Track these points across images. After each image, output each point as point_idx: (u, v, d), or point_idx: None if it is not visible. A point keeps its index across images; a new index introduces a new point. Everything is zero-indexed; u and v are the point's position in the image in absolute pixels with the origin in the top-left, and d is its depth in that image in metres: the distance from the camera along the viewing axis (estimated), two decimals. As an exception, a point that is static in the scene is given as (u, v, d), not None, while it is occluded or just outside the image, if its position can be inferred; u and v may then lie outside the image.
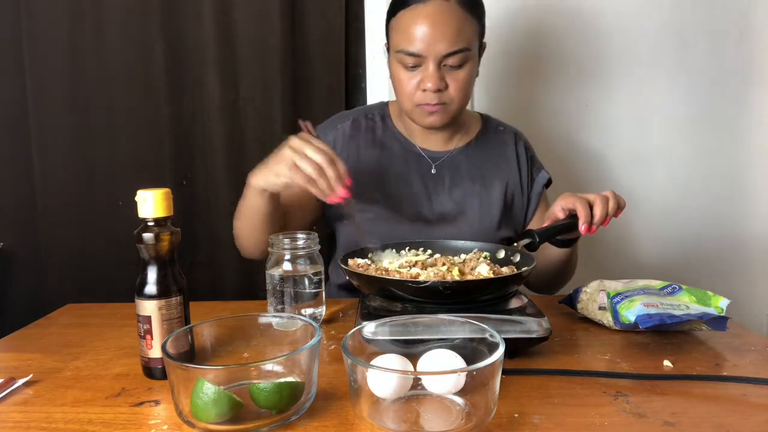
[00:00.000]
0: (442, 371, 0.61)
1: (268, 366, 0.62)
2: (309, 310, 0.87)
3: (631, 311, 0.82)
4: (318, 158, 0.86)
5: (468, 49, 1.02)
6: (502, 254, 0.93)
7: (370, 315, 0.73)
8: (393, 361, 0.61)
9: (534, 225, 1.20)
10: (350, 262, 0.88)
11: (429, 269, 0.82)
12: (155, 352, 0.70)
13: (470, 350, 0.63)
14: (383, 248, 0.94)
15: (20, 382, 0.70)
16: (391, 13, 1.06)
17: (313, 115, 1.50)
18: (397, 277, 0.78)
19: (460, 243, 0.98)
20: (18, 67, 1.47)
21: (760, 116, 1.57)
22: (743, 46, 1.54)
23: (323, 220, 1.20)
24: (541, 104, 1.57)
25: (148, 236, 0.69)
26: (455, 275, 0.80)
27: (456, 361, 0.61)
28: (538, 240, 0.90)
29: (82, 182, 1.51)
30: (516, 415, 0.61)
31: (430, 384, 0.61)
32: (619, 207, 0.93)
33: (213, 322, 0.70)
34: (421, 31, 0.99)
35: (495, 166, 1.19)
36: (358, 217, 0.94)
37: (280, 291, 0.85)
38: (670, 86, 1.55)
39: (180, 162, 1.52)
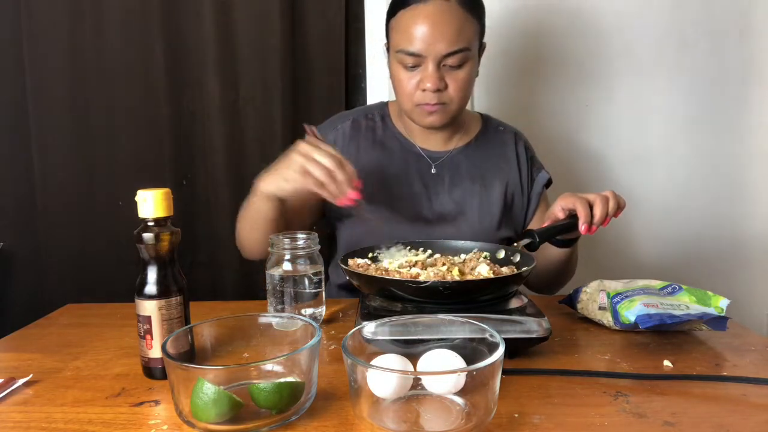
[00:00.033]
0: (442, 371, 0.61)
1: (268, 366, 0.62)
2: (309, 310, 0.87)
3: (631, 311, 0.82)
4: (327, 162, 0.86)
5: (468, 49, 1.02)
6: (502, 254, 0.93)
7: (370, 315, 0.73)
8: (393, 361, 0.61)
9: (534, 225, 1.20)
10: (350, 262, 0.88)
11: (429, 269, 0.82)
12: (155, 352, 0.70)
13: (470, 350, 0.63)
14: (395, 246, 0.95)
15: (20, 382, 0.70)
16: (391, 12, 1.06)
17: (313, 115, 1.51)
18: (397, 277, 0.78)
19: (460, 243, 0.98)
20: (18, 67, 1.47)
21: (760, 116, 1.57)
22: (743, 46, 1.54)
23: (323, 220, 1.20)
24: (541, 104, 1.57)
25: (148, 236, 0.69)
26: (455, 275, 0.80)
27: (456, 361, 0.61)
28: (538, 240, 0.90)
29: (82, 182, 1.51)
30: (516, 415, 0.61)
31: (430, 384, 0.61)
32: (619, 207, 0.93)
33: (213, 322, 0.70)
34: (420, 30, 0.99)
35: (495, 166, 1.19)
36: (370, 217, 0.94)
37: (280, 291, 0.85)
38: (670, 86, 1.55)
39: (180, 162, 1.52)
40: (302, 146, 0.89)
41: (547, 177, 1.22)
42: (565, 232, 0.94)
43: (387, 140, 1.17)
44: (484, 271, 0.81)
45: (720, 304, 0.83)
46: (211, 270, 1.55)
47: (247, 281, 1.53)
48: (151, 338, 0.69)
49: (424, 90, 1.03)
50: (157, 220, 0.70)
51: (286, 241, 0.86)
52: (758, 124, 1.57)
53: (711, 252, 1.61)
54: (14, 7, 1.45)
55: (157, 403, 0.65)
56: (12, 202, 1.53)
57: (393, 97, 1.15)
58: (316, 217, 1.17)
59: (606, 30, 1.53)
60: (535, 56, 1.54)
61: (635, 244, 1.62)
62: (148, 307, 0.69)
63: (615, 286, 0.89)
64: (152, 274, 0.70)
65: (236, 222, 1.11)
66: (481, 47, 1.10)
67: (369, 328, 0.67)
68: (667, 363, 0.74)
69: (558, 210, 0.93)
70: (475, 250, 0.95)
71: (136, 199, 0.70)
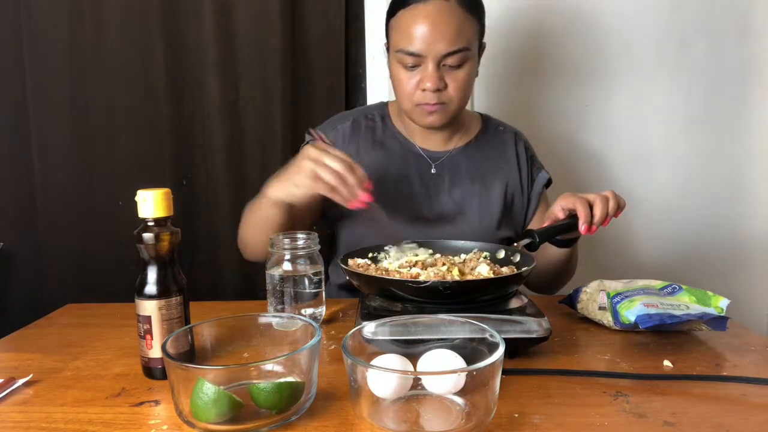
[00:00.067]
0: (442, 371, 0.61)
1: (268, 366, 0.62)
2: (309, 310, 0.86)
3: (631, 311, 0.82)
4: (337, 166, 0.86)
5: (467, 48, 1.02)
6: (502, 254, 0.93)
7: (370, 315, 0.73)
8: (393, 361, 0.61)
9: (534, 225, 1.20)
10: (350, 262, 0.88)
11: (429, 269, 0.82)
12: (155, 352, 0.70)
13: (470, 350, 0.63)
14: (406, 243, 0.95)
15: (20, 382, 0.70)
16: (391, 12, 1.06)
17: (313, 115, 1.51)
18: (397, 277, 0.78)
19: (460, 243, 0.98)
20: (18, 67, 1.47)
21: (760, 116, 1.57)
22: (743, 46, 1.54)
23: (323, 221, 1.20)
24: (541, 104, 1.57)
25: (148, 236, 0.69)
26: (455, 275, 0.80)
27: (456, 361, 0.61)
28: (538, 240, 0.90)
29: (82, 182, 1.51)
30: (516, 415, 0.61)
31: (430, 384, 0.61)
32: (619, 207, 0.93)
33: (213, 322, 0.70)
34: (420, 30, 0.99)
35: (495, 166, 1.19)
36: (382, 218, 0.94)
37: (280, 291, 0.85)
38: (670, 86, 1.55)
39: (180, 162, 1.52)
40: (312, 151, 0.89)
41: (547, 177, 1.22)
42: (565, 232, 0.94)
43: (387, 140, 1.17)
44: (484, 271, 0.81)
45: (720, 304, 0.83)
46: (211, 270, 1.55)
47: (247, 281, 1.53)
48: (151, 338, 0.69)
49: (423, 90, 1.03)
50: (157, 220, 0.70)
51: (286, 241, 0.86)
52: (758, 124, 1.57)
53: (711, 252, 1.61)
54: (14, 7, 1.45)
55: (157, 403, 0.65)
56: (12, 202, 1.53)
57: (393, 97, 1.15)
58: (317, 217, 1.17)
59: (606, 30, 1.53)
60: (535, 56, 1.54)
61: (635, 244, 1.62)
62: (148, 307, 0.69)
63: (615, 286, 0.89)
64: (152, 274, 0.70)
65: (239, 225, 1.11)
66: (481, 47, 1.10)
67: (369, 328, 0.67)
68: (667, 363, 0.74)
69: (558, 210, 0.93)
70: (475, 250, 0.95)
71: (136, 199, 0.70)
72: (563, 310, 0.95)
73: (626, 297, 0.85)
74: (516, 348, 0.73)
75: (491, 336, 0.62)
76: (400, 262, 0.88)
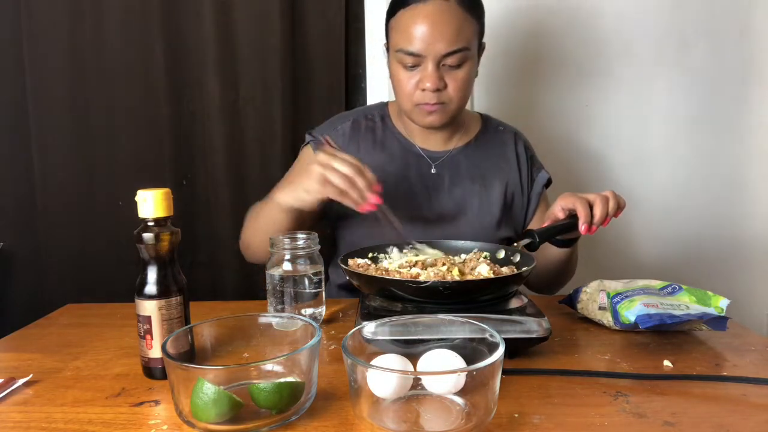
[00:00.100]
0: (442, 371, 0.61)
1: (268, 366, 0.62)
2: (309, 310, 0.87)
3: (631, 311, 0.82)
4: (346, 170, 0.87)
5: (467, 48, 1.02)
6: (502, 254, 0.93)
7: (370, 315, 0.73)
8: (393, 361, 0.61)
9: (534, 225, 1.20)
10: (350, 262, 0.88)
11: (429, 269, 0.82)
12: (155, 352, 0.70)
13: (470, 350, 0.63)
14: (420, 246, 0.95)
15: (20, 382, 0.70)
16: (391, 12, 1.07)
17: (313, 115, 1.51)
18: (397, 277, 0.78)
19: (460, 243, 0.98)
20: (18, 67, 1.47)
21: (760, 116, 1.57)
22: (743, 46, 1.54)
23: (323, 221, 1.20)
24: (541, 104, 1.57)
25: (148, 236, 0.69)
26: (455, 275, 0.80)
27: (456, 361, 0.61)
28: (538, 240, 0.90)
29: (82, 182, 1.51)
30: (516, 415, 0.61)
31: (430, 384, 0.61)
32: (619, 207, 0.93)
33: (213, 322, 0.70)
34: (420, 30, 0.99)
35: (495, 166, 1.19)
36: (393, 220, 0.94)
37: (280, 291, 0.85)
38: (670, 86, 1.55)
39: (180, 162, 1.52)
40: (320, 156, 0.89)
41: (547, 177, 1.22)
42: (565, 232, 0.94)
43: (387, 140, 1.17)
44: (484, 271, 0.81)
45: (720, 304, 0.83)
46: (211, 270, 1.55)
47: (247, 281, 1.53)
48: (151, 338, 0.69)
49: (423, 90, 1.03)
50: (157, 220, 0.70)
51: (286, 241, 0.86)
52: (758, 124, 1.57)
53: (711, 252, 1.61)
54: (14, 7, 1.45)
55: (157, 403, 0.65)
56: (12, 202, 1.53)
57: (393, 97, 1.15)
58: (316, 219, 1.17)
59: (606, 30, 1.53)
60: (535, 56, 1.54)
61: (635, 244, 1.62)
62: (148, 307, 0.69)
63: (615, 286, 0.89)
64: (152, 274, 0.70)
65: (242, 228, 1.11)
66: (481, 47, 1.10)
67: (369, 328, 0.67)
68: (667, 363, 0.74)
69: (558, 210, 0.93)
70: (475, 250, 0.95)
71: (136, 199, 0.70)
72: (563, 310, 0.95)
73: (626, 297, 0.85)
74: (516, 348, 0.73)
75: (491, 336, 0.62)
76: (400, 262, 0.88)
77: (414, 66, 1.03)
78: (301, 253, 0.85)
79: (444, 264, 0.85)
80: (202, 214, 1.54)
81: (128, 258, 1.37)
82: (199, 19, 1.46)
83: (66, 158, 1.50)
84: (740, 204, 1.61)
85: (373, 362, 0.61)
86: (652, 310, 0.80)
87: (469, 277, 0.80)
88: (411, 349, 0.65)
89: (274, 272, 0.85)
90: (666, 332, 0.85)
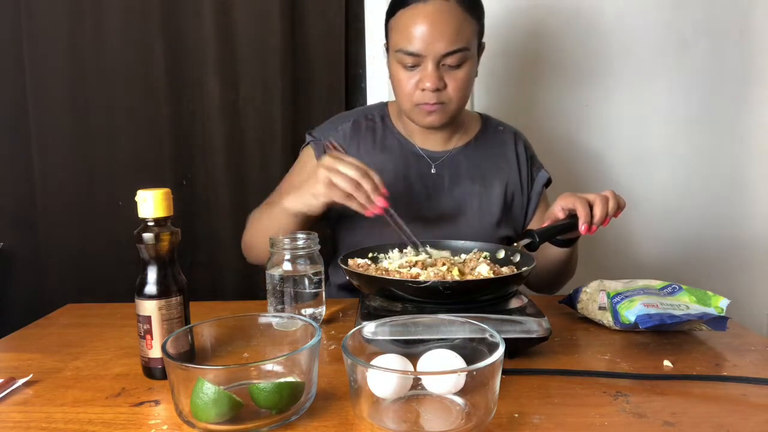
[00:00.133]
0: (442, 371, 0.61)
1: (268, 366, 0.62)
2: (309, 310, 0.86)
3: (631, 311, 0.82)
4: (352, 173, 0.87)
5: (467, 48, 1.02)
6: (502, 254, 0.93)
7: (370, 315, 0.73)
8: (393, 361, 0.61)
9: (534, 224, 1.20)
10: (350, 262, 0.88)
11: (429, 269, 0.82)
12: (155, 352, 0.70)
13: (470, 350, 0.63)
14: (423, 247, 0.95)
15: (20, 382, 0.70)
16: (391, 12, 1.07)
17: (313, 115, 1.51)
18: (397, 277, 0.78)
19: (460, 243, 0.98)
20: (18, 67, 1.47)
21: (759, 116, 1.57)
22: (743, 46, 1.54)
23: (324, 222, 1.20)
24: (541, 104, 1.57)
25: (148, 236, 0.69)
26: (455, 275, 0.80)
27: (456, 361, 0.61)
28: (538, 240, 0.90)
29: (82, 182, 1.51)
30: (516, 415, 0.61)
31: (430, 384, 0.61)
32: (619, 207, 0.93)
33: (213, 322, 0.70)
34: (420, 30, 0.99)
35: (495, 166, 1.19)
36: (400, 223, 0.94)
37: (280, 291, 0.85)
38: (670, 86, 1.55)
39: (180, 162, 1.52)
40: (326, 160, 0.90)
41: (547, 176, 1.22)
42: (565, 232, 0.94)
43: (387, 140, 1.17)
44: (484, 271, 0.81)
45: (720, 304, 0.83)
46: (211, 270, 1.55)
47: (247, 281, 1.53)
48: (151, 338, 0.69)
49: (423, 89, 1.03)
50: (157, 220, 0.70)
51: (286, 241, 0.86)
52: (758, 124, 1.57)
53: (711, 252, 1.61)
54: (14, 7, 1.45)
55: (157, 403, 0.65)
56: (12, 202, 1.53)
57: (393, 97, 1.15)
58: (319, 219, 1.17)
59: (606, 30, 1.53)
60: (535, 56, 1.54)
61: (635, 244, 1.62)
62: (148, 307, 0.69)
63: (615, 286, 0.89)
64: (152, 274, 0.70)
65: (245, 231, 1.11)
66: (481, 47, 1.10)
67: (369, 328, 0.67)
68: (667, 363, 0.74)
69: (558, 210, 0.93)
70: (475, 250, 0.95)
71: (136, 199, 0.70)
72: (563, 310, 0.95)
73: (626, 297, 0.85)
74: (516, 348, 0.73)
75: (491, 336, 0.62)
76: (400, 262, 0.88)
77: (414, 66, 1.03)
78: (301, 253, 0.85)
79: (444, 264, 0.85)
80: (202, 214, 1.54)
81: (128, 258, 1.37)
82: (199, 19, 1.46)
83: (66, 158, 1.50)
84: (740, 204, 1.61)
85: (373, 362, 0.61)
86: (652, 310, 0.80)
87: (469, 277, 0.80)
88: (411, 349, 0.65)
89: (274, 272, 0.85)
90: (666, 332, 0.85)
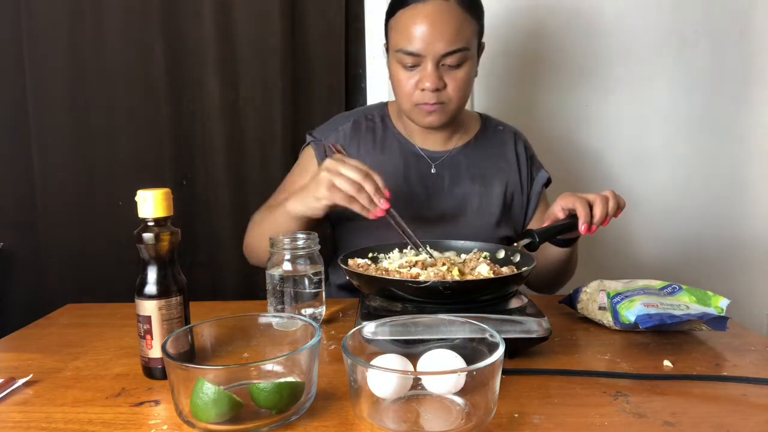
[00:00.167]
0: (442, 371, 0.61)
1: (268, 366, 0.62)
2: (309, 310, 0.86)
3: (631, 311, 0.82)
4: (354, 175, 0.87)
5: (467, 48, 1.02)
6: (502, 254, 0.93)
7: (370, 315, 0.73)
8: (393, 361, 0.61)
9: (534, 224, 1.20)
10: (350, 262, 0.88)
11: (429, 269, 0.82)
12: (155, 352, 0.70)
13: (470, 350, 0.63)
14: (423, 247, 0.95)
15: (20, 382, 0.70)
16: (390, 12, 1.07)
17: (313, 115, 1.51)
18: (397, 277, 0.78)
19: (460, 243, 0.98)
20: (18, 67, 1.47)
21: (759, 116, 1.57)
22: (743, 46, 1.54)
23: (324, 222, 1.20)
24: (541, 104, 1.57)
25: (148, 236, 0.69)
26: (455, 275, 0.80)
27: (456, 361, 0.61)
28: (538, 240, 0.90)
29: (82, 182, 1.51)
30: (516, 415, 0.61)
31: (430, 384, 0.61)
32: (619, 207, 0.93)
33: (213, 322, 0.70)
34: (419, 30, 0.99)
35: (495, 166, 1.19)
36: (402, 224, 0.94)
37: (280, 291, 0.85)
38: (670, 86, 1.55)
39: (180, 162, 1.52)
40: (328, 163, 0.90)
41: (547, 176, 1.22)
42: (565, 231, 0.94)
43: (387, 141, 1.17)
44: (484, 271, 0.81)
45: (720, 304, 0.83)
46: (211, 270, 1.55)
47: (247, 281, 1.53)
48: (151, 338, 0.69)
49: (423, 89, 1.03)
50: (157, 220, 0.70)
51: (286, 241, 0.86)
52: (758, 124, 1.57)
53: (711, 252, 1.61)
54: (14, 7, 1.45)
55: (157, 403, 0.65)
56: (12, 202, 1.53)
57: (393, 97, 1.15)
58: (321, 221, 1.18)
59: (606, 30, 1.53)
60: (535, 56, 1.54)
61: (635, 244, 1.62)
62: (148, 307, 0.69)
63: (615, 286, 0.89)
64: (152, 274, 0.70)
65: (246, 233, 1.11)
66: (480, 47, 1.10)
67: (369, 328, 0.67)
68: (667, 363, 0.74)
69: (558, 210, 0.93)
70: (475, 250, 0.95)
71: (136, 199, 0.70)
72: (563, 310, 0.95)
73: (626, 297, 0.85)
74: (516, 348, 0.73)
75: (491, 336, 0.62)
76: (400, 262, 0.88)
77: (413, 66, 1.03)
78: (301, 253, 0.85)
79: (444, 264, 0.85)
80: (202, 214, 1.54)
81: (128, 258, 1.37)
82: (199, 19, 1.46)
83: (66, 158, 1.50)
84: (740, 204, 1.61)
85: (373, 362, 0.61)
86: (652, 310, 0.80)
87: (469, 277, 0.80)
88: (411, 349, 0.65)
89: (274, 272, 0.85)
90: (666, 332, 0.85)
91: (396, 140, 1.17)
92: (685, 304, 0.84)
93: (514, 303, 0.78)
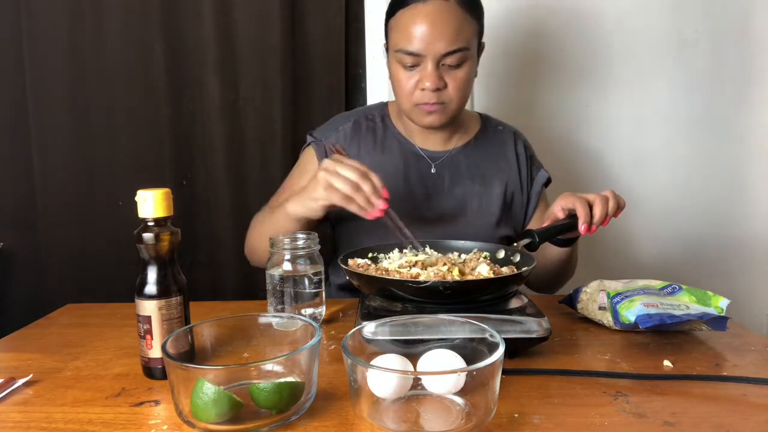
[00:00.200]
0: (442, 371, 0.61)
1: (268, 366, 0.62)
2: (309, 310, 0.86)
3: (631, 311, 0.82)
4: (351, 175, 0.87)
5: (467, 48, 1.02)
6: (502, 254, 0.93)
7: (370, 315, 0.73)
8: (393, 361, 0.61)
9: (533, 224, 1.20)
10: (350, 262, 0.88)
11: (429, 269, 0.82)
12: (155, 352, 0.70)
13: (470, 350, 0.63)
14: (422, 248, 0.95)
15: (20, 382, 0.70)
16: (390, 12, 1.07)
17: (313, 115, 1.51)
18: (397, 277, 0.78)
19: (460, 243, 0.98)
20: (18, 67, 1.47)
21: (759, 116, 1.57)
22: (743, 46, 1.54)
23: (324, 222, 1.20)
24: (541, 104, 1.57)
25: (148, 236, 0.69)
26: (455, 275, 0.80)
27: (456, 361, 0.61)
28: (538, 240, 0.90)
29: (82, 182, 1.51)
30: (516, 415, 0.61)
31: (430, 384, 0.61)
32: (619, 207, 0.93)
33: (213, 322, 0.70)
34: (420, 30, 0.99)
35: (494, 166, 1.19)
36: (400, 225, 0.94)
37: (280, 291, 0.85)
38: (670, 86, 1.55)
39: (180, 162, 1.52)
40: (326, 163, 0.90)
41: (547, 176, 1.22)
42: (565, 231, 0.94)
43: (387, 141, 1.17)
44: (484, 271, 0.81)
45: (720, 304, 0.83)
46: (211, 270, 1.55)
47: (247, 281, 1.53)
48: (151, 338, 0.69)
49: (423, 89, 1.03)
50: (157, 220, 0.70)
51: (286, 241, 0.86)
52: (758, 124, 1.57)
53: (711, 252, 1.61)
54: (14, 7, 1.45)
55: (157, 403, 0.65)
56: (12, 202, 1.53)
57: (393, 97, 1.15)
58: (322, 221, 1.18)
59: (606, 30, 1.53)
60: (535, 56, 1.54)
61: (635, 244, 1.62)
62: (148, 307, 0.69)
63: (615, 286, 0.89)
64: (152, 274, 0.70)
65: (248, 235, 1.11)
66: (480, 47, 1.10)
67: (369, 328, 0.67)
68: (667, 363, 0.74)
69: (558, 210, 0.93)
70: (475, 250, 0.95)
71: (136, 199, 0.70)
72: (563, 310, 0.95)
73: (626, 297, 0.85)
74: (516, 348, 0.73)
75: (491, 336, 0.62)
76: (400, 262, 0.88)
77: (413, 66, 1.03)
78: (301, 253, 0.85)
79: (444, 264, 0.85)
80: (202, 214, 1.54)
81: (128, 258, 1.37)
82: (199, 19, 1.46)
83: (66, 158, 1.50)
84: (740, 204, 1.61)
85: (373, 362, 0.61)
86: (652, 310, 0.80)
87: (469, 277, 0.80)
88: (411, 349, 0.65)
89: (274, 272, 0.85)
90: (666, 332, 0.85)
91: (396, 140, 1.17)
92: (685, 304, 0.84)
93: (514, 303, 0.78)
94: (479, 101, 1.54)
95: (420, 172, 1.15)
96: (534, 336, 0.72)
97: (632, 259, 1.62)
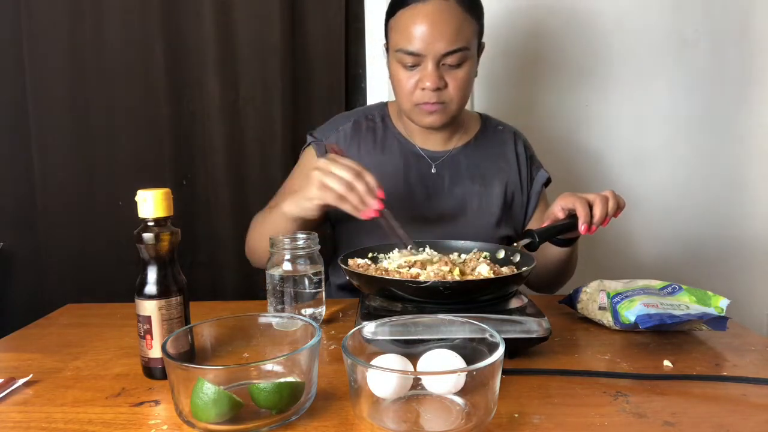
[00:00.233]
0: (442, 371, 0.61)
1: (268, 366, 0.62)
2: (309, 310, 0.86)
3: (631, 311, 0.82)
4: (345, 174, 0.86)
5: (467, 48, 1.02)
6: (502, 254, 0.93)
7: (370, 315, 0.73)
8: (393, 361, 0.61)
9: (533, 224, 1.20)
10: (350, 262, 0.88)
11: (429, 269, 0.82)
12: (155, 352, 0.70)
13: (470, 350, 0.63)
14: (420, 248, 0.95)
15: (20, 382, 0.70)
16: (390, 12, 1.07)
17: (313, 115, 1.51)
18: (397, 277, 0.78)
19: (460, 243, 0.98)
20: (18, 67, 1.47)
21: (759, 116, 1.57)
22: (743, 46, 1.54)
23: (324, 222, 1.20)
24: (541, 104, 1.57)
25: (148, 236, 0.69)
26: (455, 275, 0.80)
27: (456, 361, 0.61)
28: (537, 240, 0.90)
29: (82, 182, 1.51)
30: (516, 415, 0.61)
31: (430, 384, 0.61)
32: (619, 207, 0.93)
33: (213, 322, 0.70)
34: (420, 30, 0.99)
35: (494, 166, 1.19)
36: (396, 225, 0.93)
37: (280, 291, 0.85)
38: (670, 86, 1.55)
39: (180, 162, 1.52)
40: (320, 162, 0.89)
41: (547, 176, 1.22)
42: (564, 231, 0.94)
43: (387, 141, 1.17)
44: (484, 271, 0.81)
45: (720, 304, 0.83)
46: (211, 270, 1.55)
47: (247, 281, 1.52)
48: (151, 338, 0.69)
49: (423, 89, 1.03)
50: (157, 220, 0.70)
51: (286, 241, 0.86)
52: (758, 124, 1.57)
53: (711, 252, 1.61)
54: (14, 7, 1.45)
55: (157, 403, 0.65)
56: (12, 202, 1.53)
57: (393, 98, 1.15)
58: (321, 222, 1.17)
59: (606, 30, 1.53)
60: (535, 56, 1.54)
61: (635, 244, 1.62)
62: (148, 307, 0.69)
63: (615, 286, 0.89)
64: (152, 274, 0.70)
65: (247, 235, 1.11)
66: (480, 47, 1.10)
67: (369, 328, 0.67)
68: (667, 363, 0.74)
69: (558, 210, 0.93)
70: (475, 250, 0.95)
71: (136, 199, 0.70)
72: (563, 310, 0.95)
73: (626, 297, 0.85)
74: (516, 348, 0.73)
75: (491, 336, 0.62)
76: (400, 262, 0.88)
77: (414, 66, 1.03)
78: (301, 253, 0.85)
79: (445, 264, 0.85)
80: (202, 214, 1.54)
81: (128, 258, 1.37)
82: (199, 19, 1.46)
83: (66, 158, 1.50)
84: (740, 204, 1.61)
85: (373, 362, 0.61)
86: (652, 310, 0.80)
87: (469, 277, 0.80)
88: (411, 349, 0.65)
89: (274, 272, 0.85)
90: (666, 332, 0.85)
91: (396, 140, 1.17)
92: (685, 304, 0.84)
93: (514, 303, 0.78)
94: (479, 101, 1.54)
95: (420, 172, 1.15)
96: (534, 336, 0.72)
97: (632, 259, 1.62)
